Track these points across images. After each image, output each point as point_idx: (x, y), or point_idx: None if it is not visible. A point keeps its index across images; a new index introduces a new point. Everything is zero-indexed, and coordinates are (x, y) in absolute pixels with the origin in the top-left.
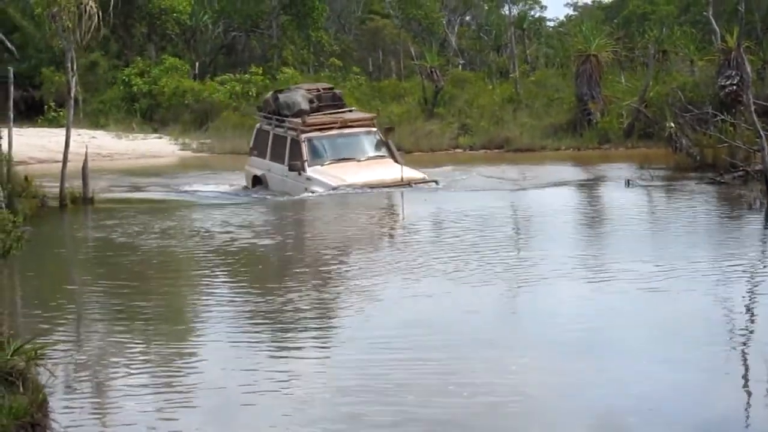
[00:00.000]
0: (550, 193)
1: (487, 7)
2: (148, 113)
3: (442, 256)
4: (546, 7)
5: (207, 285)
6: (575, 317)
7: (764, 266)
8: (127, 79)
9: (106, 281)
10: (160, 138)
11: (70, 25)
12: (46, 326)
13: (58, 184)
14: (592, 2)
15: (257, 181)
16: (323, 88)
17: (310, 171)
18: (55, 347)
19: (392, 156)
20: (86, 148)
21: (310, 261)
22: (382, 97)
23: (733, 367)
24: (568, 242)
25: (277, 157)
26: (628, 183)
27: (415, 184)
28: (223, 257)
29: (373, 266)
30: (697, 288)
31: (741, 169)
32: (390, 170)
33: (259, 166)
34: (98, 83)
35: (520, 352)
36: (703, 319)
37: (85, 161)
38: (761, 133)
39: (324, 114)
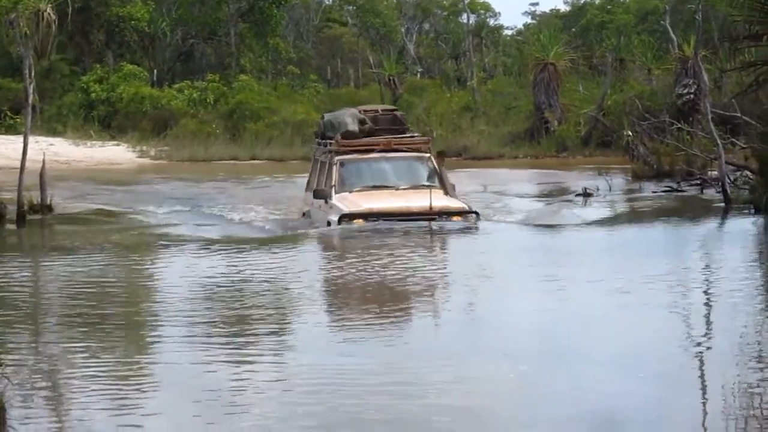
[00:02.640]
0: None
1: (445, 16)
2: (107, 120)
3: None
4: (499, 14)
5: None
6: None
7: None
8: (85, 87)
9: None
10: (118, 145)
11: (27, 32)
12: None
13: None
14: (550, 11)
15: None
16: (382, 110)
17: (336, 198)
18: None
19: (443, 186)
20: (44, 155)
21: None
22: (340, 104)
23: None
24: None
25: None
26: (585, 192)
27: (448, 216)
28: None
29: None
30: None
31: (698, 177)
32: (421, 198)
33: (306, 200)
34: (55, 90)
35: None
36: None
37: (43, 168)
38: (718, 141)
39: (376, 138)
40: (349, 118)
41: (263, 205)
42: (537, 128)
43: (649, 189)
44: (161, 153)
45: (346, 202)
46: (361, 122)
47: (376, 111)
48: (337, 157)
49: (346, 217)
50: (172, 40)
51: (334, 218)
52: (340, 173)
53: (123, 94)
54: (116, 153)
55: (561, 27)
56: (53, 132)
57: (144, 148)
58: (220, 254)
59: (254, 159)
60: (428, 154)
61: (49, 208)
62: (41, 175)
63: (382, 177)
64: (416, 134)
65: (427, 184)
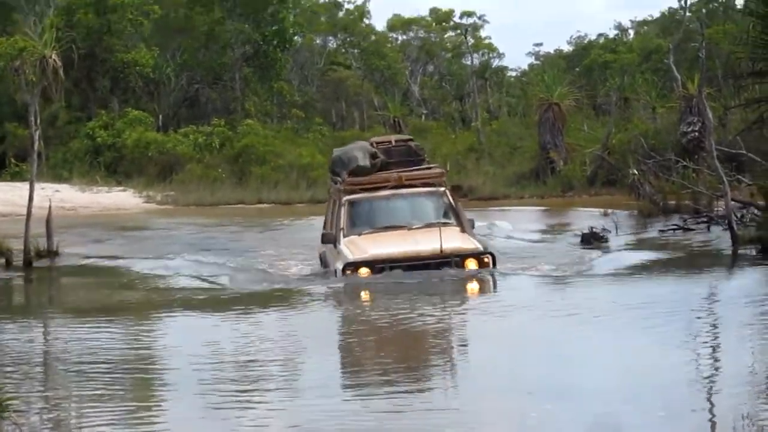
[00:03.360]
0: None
1: (448, 57)
2: (112, 166)
3: None
4: (504, 54)
5: None
6: None
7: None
8: (90, 132)
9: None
10: (125, 191)
11: (33, 79)
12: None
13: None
14: (554, 51)
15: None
16: (396, 141)
17: (343, 243)
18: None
19: (459, 222)
20: (50, 201)
21: None
22: None
23: None
24: None
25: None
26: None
27: (461, 258)
28: None
29: None
30: None
31: (704, 214)
32: (433, 238)
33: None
34: (60, 136)
35: None
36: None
37: (49, 214)
38: (724, 178)
39: (389, 172)
40: (359, 152)
41: (278, 251)
42: (542, 168)
43: (656, 228)
44: (167, 198)
45: (353, 247)
46: (373, 156)
47: (389, 143)
48: (345, 197)
49: (351, 266)
50: (177, 85)
51: (339, 267)
52: (349, 214)
53: (128, 139)
54: (122, 198)
55: (565, 67)
56: (59, 178)
57: (150, 193)
58: (215, 317)
59: (261, 203)
60: (443, 188)
61: (56, 254)
62: (47, 221)
63: (393, 216)
64: (434, 165)
65: (441, 221)
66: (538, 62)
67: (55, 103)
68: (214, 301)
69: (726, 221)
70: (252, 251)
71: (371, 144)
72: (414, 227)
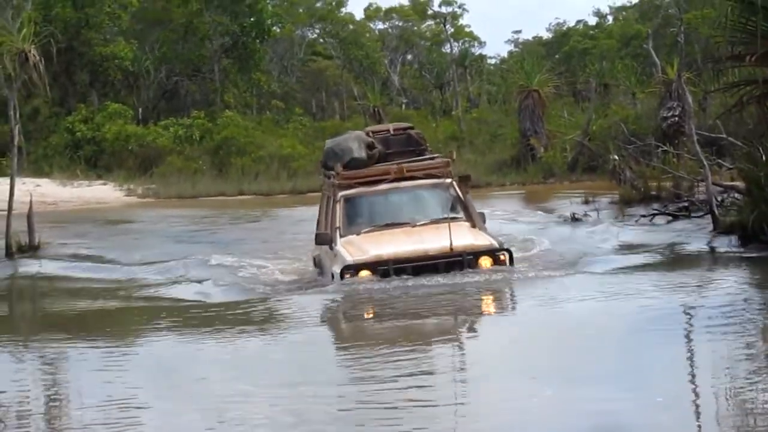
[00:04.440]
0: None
1: (428, 46)
2: (93, 160)
3: None
4: (485, 43)
5: None
6: None
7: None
8: (70, 126)
9: None
10: (105, 184)
11: (12, 74)
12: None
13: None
14: (533, 39)
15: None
16: (395, 129)
17: (340, 243)
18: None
19: (469, 216)
20: (31, 196)
21: None
22: (325, 137)
23: None
24: None
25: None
26: (573, 218)
27: (474, 257)
28: None
29: None
30: None
31: (685, 199)
32: (441, 235)
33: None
34: (40, 131)
35: None
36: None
37: (30, 209)
38: (704, 162)
39: (389, 164)
40: (354, 143)
41: (259, 251)
42: (523, 155)
43: (638, 213)
44: (148, 191)
45: (351, 248)
46: (369, 147)
47: (387, 131)
48: (340, 193)
49: (350, 269)
50: (156, 78)
51: (337, 270)
52: (346, 211)
53: (108, 133)
54: (103, 192)
55: (544, 54)
56: (40, 173)
57: (131, 186)
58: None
59: (242, 194)
60: (449, 179)
61: (38, 248)
62: (29, 216)
63: (394, 212)
64: (436, 155)
65: (449, 216)
66: (517, 50)
67: (40, 98)
68: (186, 321)
69: (707, 205)
70: (238, 245)
71: (367, 133)
72: (418, 224)
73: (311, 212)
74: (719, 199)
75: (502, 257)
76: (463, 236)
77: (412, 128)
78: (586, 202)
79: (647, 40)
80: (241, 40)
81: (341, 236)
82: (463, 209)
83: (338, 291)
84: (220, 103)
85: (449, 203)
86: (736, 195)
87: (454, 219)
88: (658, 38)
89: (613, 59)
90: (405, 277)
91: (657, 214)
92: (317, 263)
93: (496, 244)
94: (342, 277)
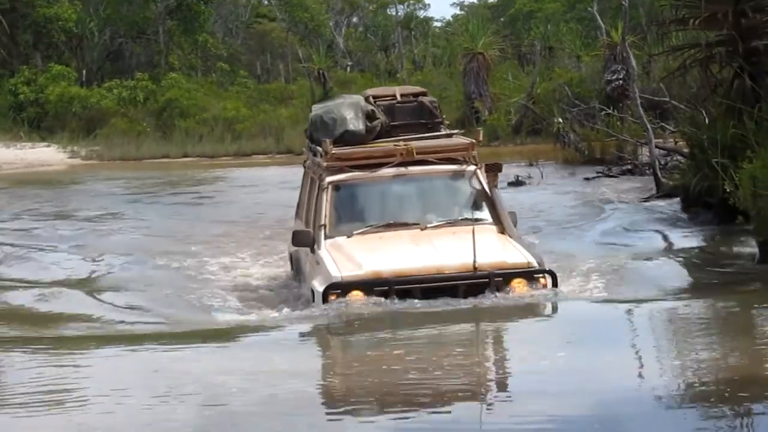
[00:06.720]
0: None
1: (373, 8)
2: (36, 122)
3: None
4: (429, 5)
5: None
6: None
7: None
8: (13, 89)
9: None
10: (49, 146)
11: None
12: None
13: None
14: (479, 1)
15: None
16: (403, 95)
17: (326, 248)
18: None
19: (496, 218)
20: None
21: None
22: (269, 100)
23: None
24: None
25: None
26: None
27: (505, 280)
28: None
29: None
30: None
31: (629, 162)
32: (461, 246)
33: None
34: None
35: None
36: None
37: None
38: (648, 126)
39: (394, 141)
40: (349, 110)
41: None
42: (467, 118)
43: (581, 176)
44: (92, 153)
45: (340, 257)
46: (369, 116)
47: (392, 97)
48: (328, 178)
49: (337, 289)
50: (101, 40)
51: (319, 288)
52: (334, 203)
53: (51, 95)
54: (47, 154)
55: (490, 17)
56: None
57: (75, 148)
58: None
59: (186, 156)
60: (473, 167)
61: None
62: None
63: (399, 208)
64: (454, 131)
65: (470, 216)
66: (462, 12)
67: None
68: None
69: (650, 168)
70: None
71: (367, 99)
72: (430, 225)
73: (258, 174)
74: (662, 162)
75: (543, 280)
76: (491, 249)
77: (425, 94)
78: (531, 165)
79: (592, 3)
80: (185, 1)
81: (327, 237)
82: (489, 208)
83: (318, 323)
84: (164, 65)
85: (472, 199)
86: (679, 158)
87: (477, 221)
88: (602, 2)
89: (558, 22)
90: (411, 300)
91: (600, 176)
92: (294, 263)
93: (534, 263)
94: (325, 299)
